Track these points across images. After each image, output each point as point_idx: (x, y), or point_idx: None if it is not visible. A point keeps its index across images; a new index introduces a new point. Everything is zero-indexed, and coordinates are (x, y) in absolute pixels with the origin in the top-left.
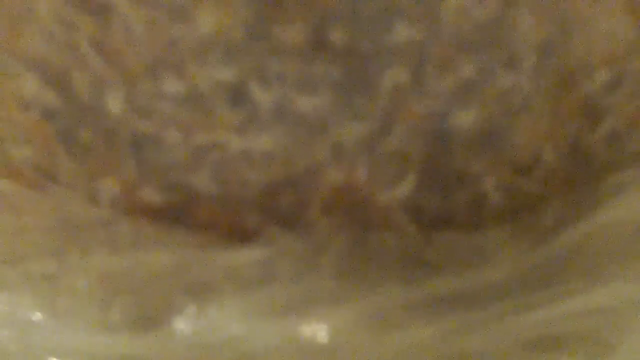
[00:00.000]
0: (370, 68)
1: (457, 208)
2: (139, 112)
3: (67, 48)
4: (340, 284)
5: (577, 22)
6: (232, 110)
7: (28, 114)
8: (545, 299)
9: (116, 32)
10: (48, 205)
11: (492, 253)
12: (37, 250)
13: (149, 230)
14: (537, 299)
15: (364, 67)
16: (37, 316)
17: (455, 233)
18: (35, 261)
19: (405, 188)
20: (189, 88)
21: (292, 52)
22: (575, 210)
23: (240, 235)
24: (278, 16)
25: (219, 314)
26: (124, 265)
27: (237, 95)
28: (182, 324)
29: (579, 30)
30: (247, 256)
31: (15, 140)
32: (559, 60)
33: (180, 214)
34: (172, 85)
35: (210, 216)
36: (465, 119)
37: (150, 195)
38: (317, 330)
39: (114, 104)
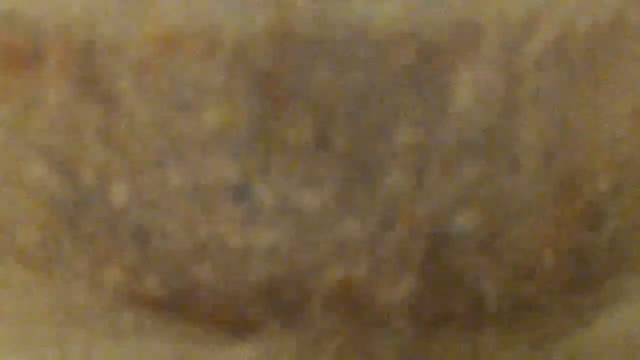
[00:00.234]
0: (372, 169)
1: (456, 309)
2: (143, 202)
3: (74, 136)
4: None
5: (581, 129)
6: (235, 205)
7: (34, 198)
8: None
9: (122, 123)
10: (51, 290)
11: (490, 356)
12: (39, 337)
13: (150, 320)
14: None
15: (366, 168)
16: None
17: (453, 334)
18: (37, 349)
19: (404, 288)
20: (193, 182)
21: (296, 151)
22: (575, 317)
23: (241, 329)
24: (282, 116)
25: None
26: (126, 355)
27: (240, 190)
28: None
29: (582, 137)
30: (247, 350)
31: (21, 223)
32: (561, 166)
33: (181, 305)
34: (176, 178)
35: (212, 308)
36: (465, 221)
37: (153, 285)
38: None
39: (119, 193)
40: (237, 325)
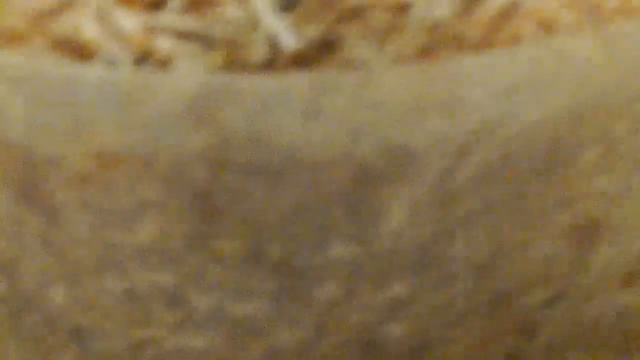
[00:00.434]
0: (305, 281)
1: None
2: (81, 304)
3: (16, 240)
4: None
5: (514, 245)
6: (169, 310)
7: None
8: None
9: (62, 232)
10: None
11: None
12: None
13: None
14: None
15: (299, 280)
16: None
17: None
18: None
19: None
20: (129, 287)
21: (229, 263)
22: None
23: None
24: (216, 229)
25: None
26: None
27: (175, 297)
28: None
29: (515, 254)
30: None
31: None
32: (495, 281)
33: None
34: (113, 284)
35: None
36: (397, 331)
37: None
38: None
39: (57, 295)
40: None
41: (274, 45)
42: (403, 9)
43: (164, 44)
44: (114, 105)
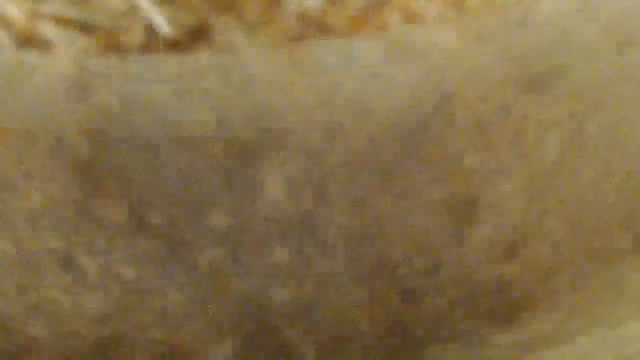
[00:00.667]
0: (188, 247)
1: None
2: None
3: None
4: None
5: (391, 218)
6: (62, 273)
7: None
8: None
9: None
10: None
11: None
12: None
13: None
14: None
15: (183, 246)
16: None
17: None
18: None
19: (225, 353)
20: (22, 251)
21: (114, 229)
22: None
23: None
24: (99, 199)
25: None
26: None
27: (66, 261)
28: None
29: (393, 226)
30: None
31: None
32: (374, 249)
33: None
34: (6, 247)
35: None
36: (280, 295)
37: None
38: None
39: None
40: None
41: (150, 31)
42: (276, 0)
43: (46, 29)
44: None
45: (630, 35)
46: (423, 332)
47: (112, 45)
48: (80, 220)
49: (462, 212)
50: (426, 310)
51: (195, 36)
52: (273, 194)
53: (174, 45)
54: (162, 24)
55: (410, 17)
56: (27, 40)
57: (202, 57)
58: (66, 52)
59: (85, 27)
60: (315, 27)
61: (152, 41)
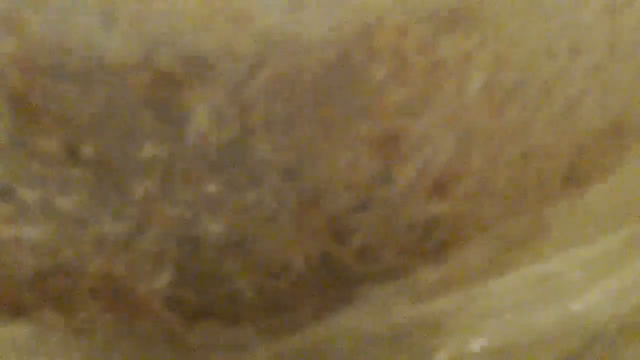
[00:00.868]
0: (122, 177)
1: (214, 302)
2: None
3: None
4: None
5: (317, 152)
6: (2, 202)
7: None
8: None
9: None
10: None
11: (252, 343)
12: None
13: None
14: None
15: (116, 176)
16: None
17: (214, 324)
18: None
19: (162, 282)
20: None
21: (49, 159)
22: (328, 311)
23: (15, 312)
24: (33, 129)
25: None
26: None
27: (5, 191)
28: None
29: (319, 160)
30: (21, 329)
31: None
32: (301, 183)
33: None
34: None
35: None
36: (213, 227)
37: None
38: None
39: None
40: (12, 308)
41: None
42: None
43: None
44: None
45: None
46: (353, 269)
47: None
48: (17, 150)
49: (388, 147)
50: (354, 248)
51: None
52: (200, 124)
53: None
54: None
55: None
56: None
57: None
58: None
59: None
60: None
61: None
